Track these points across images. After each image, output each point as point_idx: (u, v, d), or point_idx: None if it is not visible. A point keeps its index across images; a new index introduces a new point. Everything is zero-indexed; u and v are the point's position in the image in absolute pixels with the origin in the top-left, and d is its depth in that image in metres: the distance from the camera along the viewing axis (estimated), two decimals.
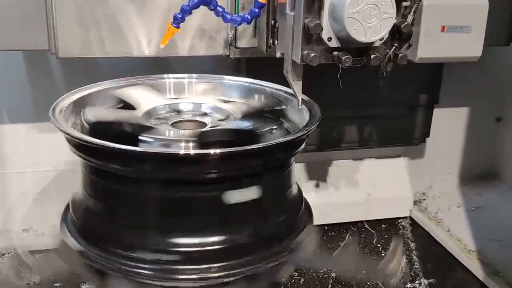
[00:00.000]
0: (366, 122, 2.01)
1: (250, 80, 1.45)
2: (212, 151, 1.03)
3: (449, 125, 2.18)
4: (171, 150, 1.06)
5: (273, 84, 1.41)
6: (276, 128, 1.20)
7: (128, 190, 1.11)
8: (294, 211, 1.26)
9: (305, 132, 1.14)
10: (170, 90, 1.46)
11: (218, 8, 1.32)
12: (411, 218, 2.20)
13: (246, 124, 1.26)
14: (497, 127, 2.28)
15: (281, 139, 1.11)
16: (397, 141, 2.09)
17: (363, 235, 2.13)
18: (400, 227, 2.17)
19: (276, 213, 1.20)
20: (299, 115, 1.29)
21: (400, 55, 1.21)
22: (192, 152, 1.07)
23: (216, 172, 1.07)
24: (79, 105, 1.30)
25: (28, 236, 1.86)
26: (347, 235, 2.11)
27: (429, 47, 1.34)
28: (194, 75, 1.49)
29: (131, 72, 1.48)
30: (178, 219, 1.09)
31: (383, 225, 2.17)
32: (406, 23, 1.18)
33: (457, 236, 2.00)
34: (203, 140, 1.16)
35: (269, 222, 1.17)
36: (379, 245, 2.08)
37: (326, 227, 2.13)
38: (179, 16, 1.28)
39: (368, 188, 2.15)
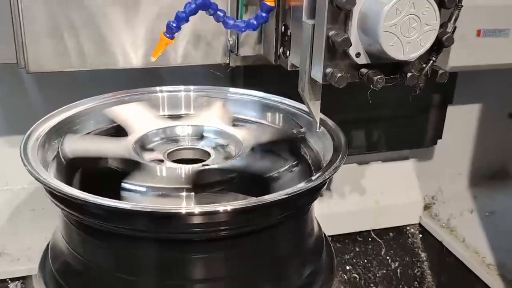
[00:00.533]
0: (374, 126, 1.83)
1: (261, 94, 1.24)
2: (221, 207, 0.83)
3: (459, 124, 2.00)
4: (165, 208, 0.85)
5: (288, 100, 1.21)
6: (295, 165, 1.01)
7: (116, 248, 0.91)
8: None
9: (329, 174, 0.95)
10: (164, 106, 1.25)
11: (218, 12, 1.11)
12: (420, 225, 2.03)
13: (257, 159, 1.05)
14: (510, 124, 2.11)
15: (302, 186, 0.91)
16: (407, 145, 1.92)
17: (370, 246, 1.96)
18: (409, 235, 2.02)
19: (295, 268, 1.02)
20: (321, 139, 1.10)
21: (440, 71, 1.01)
22: (187, 210, 0.86)
23: (224, 229, 0.88)
24: (58, 132, 1.09)
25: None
26: (353, 246, 1.95)
27: (462, 54, 1.15)
28: (192, 87, 1.28)
29: (117, 86, 1.26)
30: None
31: (391, 234, 2.01)
32: (448, 35, 0.98)
33: (473, 247, 1.85)
34: (205, 181, 0.97)
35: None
36: (388, 258, 1.92)
37: (330, 238, 1.96)
38: (174, 25, 1.07)
39: (375, 194, 1.98)
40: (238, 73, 1.45)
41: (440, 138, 1.89)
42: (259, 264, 0.95)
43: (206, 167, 1.03)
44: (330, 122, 1.13)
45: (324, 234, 1.18)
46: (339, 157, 1.00)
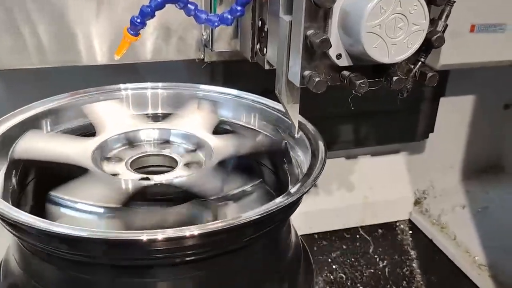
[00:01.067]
0: (362, 119, 1.74)
1: (236, 92, 1.14)
2: (188, 232, 0.74)
3: (452, 116, 1.91)
4: (119, 235, 0.76)
5: (268, 100, 1.11)
6: (260, 182, 0.91)
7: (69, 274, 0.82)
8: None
9: (302, 192, 0.86)
10: (129, 105, 1.15)
11: (189, 6, 1.01)
12: (410, 221, 1.96)
13: (215, 176, 0.96)
14: (505, 115, 2.03)
15: (276, 204, 0.81)
16: (398, 139, 1.83)
17: (357, 243, 1.89)
18: (399, 231, 1.94)
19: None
20: (299, 146, 1.01)
21: (430, 74, 0.92)
22: (146, 237, 0.76)
23: (192, 253, 0.79)
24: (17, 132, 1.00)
25: None
26: (340, 244, 1.88)
27: (454, 51, 1.06)
28: (160, 84, 1.17)
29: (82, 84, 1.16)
30: None
31: (380, 230, 1.94)
32: (438, 35, 0.88)
33: (464, 245, 1.77)
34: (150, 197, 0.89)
35: None
36: (376, 256, 1.84)
37: (316, 236, 1.89)
38: (138, 20, 0.97)
39: (364, 189, 1.90)
40: (217, 69, 1.35)
41: (432, 131, 1.81)
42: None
43: (152, 182, 0.93)
44: (310, 126, 1.03)
45: (302, 241, 1.08)
46: (316, 168, 0.91)
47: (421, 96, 1.73)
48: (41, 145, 0.99)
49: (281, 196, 0.84)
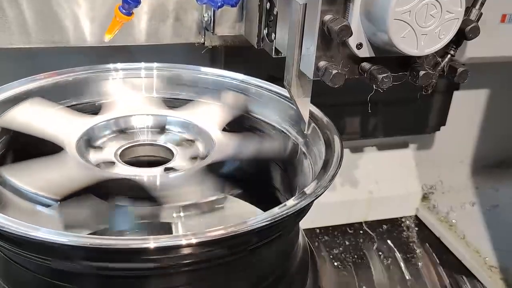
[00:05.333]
0: (371, 109, 1.62)
1: (240, 76, 1.02)
2: (184, 240, 0.64)
3: (464, 110, 1.80)
4: (113, 243, 0.66)
5: (272, 85, 0.99)
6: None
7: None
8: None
9: (319, 193, 0.76)
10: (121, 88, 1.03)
11: None
12: (416, 217, 1.86)
13: (232, 162, 0.86)
14: None
15: (288, 208, 0.71)
16: (407, 131, 1.73)
17: (361, 240, 1.80)
18: (404, 228, 1.85)
19: None
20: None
21: (460, 70, 0.81)
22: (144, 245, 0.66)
23: (187, 263, 0.69)
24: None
25: None
26: (343, 240, 1.78)
27: (482, 43, 0.95)
28: (154, 64, 1.05)
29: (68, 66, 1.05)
30: None
31: (384, 226, 1.84)
32: (473, 24, 0.78)
33: (474, 245, 1.68)
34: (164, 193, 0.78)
35: None
36: (380, 253, 1.75)
37: (317, 230, 1.80)
38: None
39: (370, 183, 1.80)
40: (218, 54, 1.23)
41: (444, 125, 1.70)
42: None
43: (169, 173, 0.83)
44: (326, 119, 0.92)
45: (309, 244, 0.99)
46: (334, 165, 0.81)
47: (434, 88, 1.62)
48: (32, 116, 0.88)
49: (293, 198, 0.74)
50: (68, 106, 0.95)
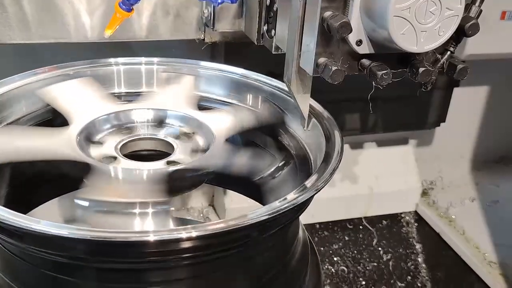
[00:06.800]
0: (371, 105, 1.63)
1: (240, 71, 1.01)
2: (184, 234, 0.64)
3: (464, 106, 1.81)
4: (115, 236, 0.66)
5: (274, 80, 0.99)
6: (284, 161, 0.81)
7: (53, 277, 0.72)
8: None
9: (321, 183, 0.76)
10: (120, 83, 1.03)
11: None
12: (416, 213, 1.87)
13: (237, 155, 0.86)
14: None
15: (288, 202, 0.72)
16: (408, 127, 1.73)
17: (360, 235, 1.80)
18: (404, 223, 1.85)
19: None
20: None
21: (460, 66, 0.82)
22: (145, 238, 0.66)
23: (187, 257, 0.70)
24: None
25: None
26: (343, 235, 1.79)
27: (482, 40, 0.95)
28: (155, 59, 1.05)
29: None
30: None
31: (384, 222, 1.84)
32: (472, 21, 0.78)
33: (474, 241, 1.68)
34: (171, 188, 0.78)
35: None
36: (379, 249, 1.76)
37: (317, 225, 1.80)
38: None
39: (369, 179, 1.80)
40: (218, 50, 1.24)
41: (444, 121, 1.71)
42: None
43: (174, 167, 0.83)
44: (325, 112, 0.92)
45: (309, 239, 0.99)
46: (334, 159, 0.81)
47: (434, 84, 1.62)
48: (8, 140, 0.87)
49: (293, 192, 0.74)
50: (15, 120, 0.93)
